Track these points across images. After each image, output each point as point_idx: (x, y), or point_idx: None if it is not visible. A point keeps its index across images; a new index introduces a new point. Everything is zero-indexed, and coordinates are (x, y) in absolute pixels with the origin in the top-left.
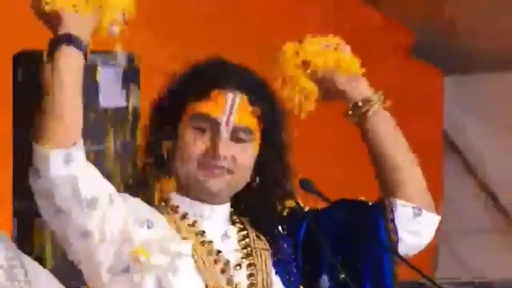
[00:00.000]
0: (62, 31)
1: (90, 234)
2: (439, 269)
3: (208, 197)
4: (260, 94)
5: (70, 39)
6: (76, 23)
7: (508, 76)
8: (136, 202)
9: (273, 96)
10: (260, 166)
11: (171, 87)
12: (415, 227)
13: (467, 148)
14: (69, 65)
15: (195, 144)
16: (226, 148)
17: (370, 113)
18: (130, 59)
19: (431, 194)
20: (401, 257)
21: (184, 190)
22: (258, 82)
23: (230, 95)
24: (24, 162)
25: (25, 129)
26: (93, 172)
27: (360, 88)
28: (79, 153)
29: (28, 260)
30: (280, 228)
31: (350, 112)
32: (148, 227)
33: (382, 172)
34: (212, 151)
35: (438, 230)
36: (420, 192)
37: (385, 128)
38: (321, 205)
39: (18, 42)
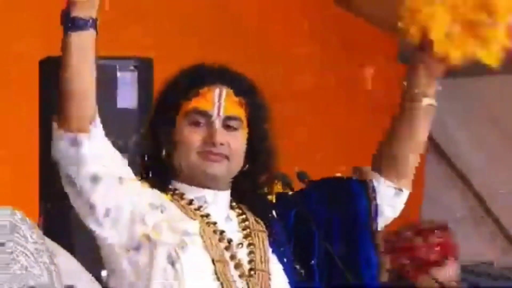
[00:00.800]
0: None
1: (94, 207)
2: None
3: (210, 182)
4: (243, 87)
5: (76, 24)
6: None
7: (483, 80)
8: (152, 190)
9: (255, 89)
10: (248, 153)
11: (164, 90)
12: (394, 202)
13: (448, 143)
14: (78, 47)
15: (193, 136)
16: (221, 136)
17: (431, 103)
18: (145, 64)
19: (414, 186)
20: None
21: (188, 180)
22: (240, 77)
23: (217, 90)
24: (51, 162)
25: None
26: (105, 155)
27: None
28: (88, 140)
29: (53, 245)
30: (273, 212)
31: (418, 91)
32: (161, 211)
33: (392, 149)
34: (210, 139)
35: (419, 217)
36: (409, 178)
37: (427, 123)
38: None
39: (44, 49)
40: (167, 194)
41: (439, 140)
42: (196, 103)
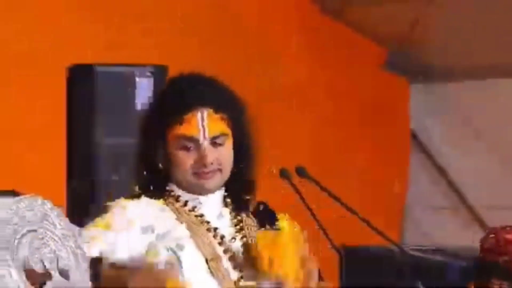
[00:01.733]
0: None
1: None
2: (404, 237)
3: (205, 193)
4: (221, 102)
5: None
6: None
7: (458, 85)
8: (138, 214)
9: (232, 100)
10: (235, 155)
11: (150, 116)
12: None
13: (429, 142)
14: None
15: (186, 160)
16: (211, 154)
17: None
18: (160, 71)
19: (401, 179)
20: (372, 226)
21: (183, 187)
22: (217, 93)
23: (199, 114)
24: (77, 155)
25: (78, 129)
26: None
27: None
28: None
29: (77, 230)
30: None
31: None
32: (152, 231)
33: None
34: (201, 161)
35: (404, 206)
36: None
37: None
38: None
39: (71, 56)
40: (163, 197)
41: (421, 138)
42: (183, 130)
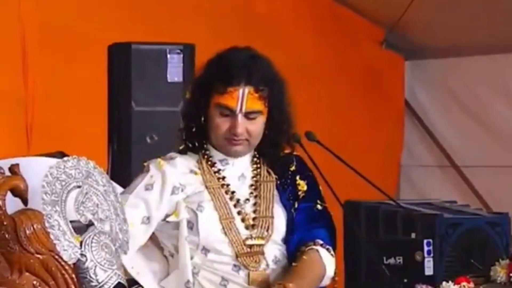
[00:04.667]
0: None
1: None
2: (399, 193)
3: (234, 156)
4: (264, 80)
5: None
6: None
7: (446, 61)
8: (170, 177)
9: (274, 75)
10: (269, 123)
11: (202, 77)
12: None
13: (420, 109)
14: None
15: (221, 125)
16: (242, 126)
17: None
18: (189, 49)
19: (396, 142)
20: (372, 183)
21: (217, 147)
22: (262, 70)
23: (241, 90)
24: (116, 122)
25: (117, 99)
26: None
27: None
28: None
29: (118, 188)
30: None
31: None
32: (182, 190)
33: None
34: (233, 130)
35: (399, 165)
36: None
37: None
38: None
39: (111, 35)
40: (200, 152)
41: (414, 107)
42: (224, 100)
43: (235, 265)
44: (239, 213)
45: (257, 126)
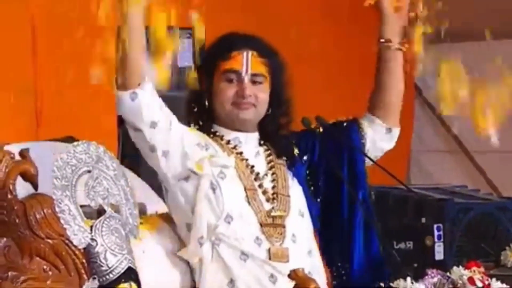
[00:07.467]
0: None
1: (154, 148)
2: (410, 177)
3: (242, 125)
4: (266, 50)
5: None
6: None
7: (450, 46)
8: (199, 133)
9: (275, 52)
10: (271, 101)
11: (205, 54)
12: (386, 137)
13: (432, 95)
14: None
15: (228, 90)
16: (249, 89)
17: (399, 48)
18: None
19: (406, 128)
20: (383, 168)
21: (225, 124)
22: (263, 42)
23: (244, 53)
24: None
25: None
26: (156, 104)
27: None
28: (142, 91)
29: (128, 173)
30: (295, 150)
31: (383, 41)
32: (206, 149)
33: (379, 92)
34: (241, 92)
35: (409, 150)
36: (395, 117)
37: (399, 68)
38: None
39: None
40: (209, 135)
41: (424, 93)
42: (229, 65)
43: (257, 238)
44: (260, 186)
45: (264, 90)
